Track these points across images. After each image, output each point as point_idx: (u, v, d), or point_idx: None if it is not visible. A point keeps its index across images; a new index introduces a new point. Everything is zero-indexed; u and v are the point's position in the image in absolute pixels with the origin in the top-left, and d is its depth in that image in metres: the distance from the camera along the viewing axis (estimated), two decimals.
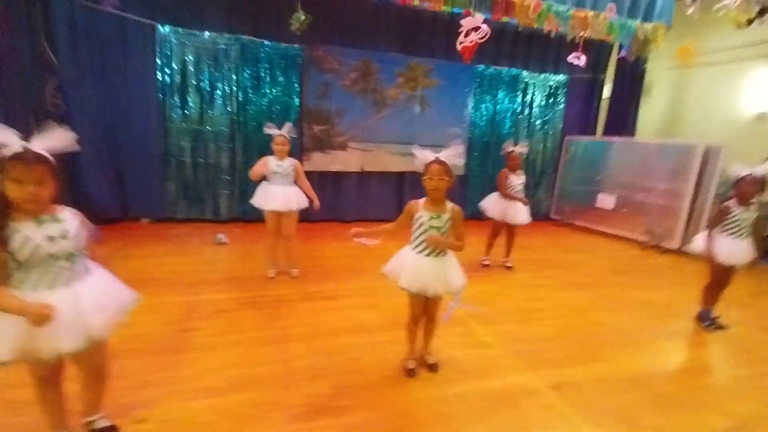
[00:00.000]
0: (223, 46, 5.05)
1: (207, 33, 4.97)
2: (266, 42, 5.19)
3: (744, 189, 2.82)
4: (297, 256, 3.70)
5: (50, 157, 1.33)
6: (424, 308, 2.22)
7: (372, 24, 5.57)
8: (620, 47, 5.80)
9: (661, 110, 6.98)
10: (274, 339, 2.60)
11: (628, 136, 6.59)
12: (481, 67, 6.20)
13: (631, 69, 6.40)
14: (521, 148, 4.07)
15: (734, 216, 2.87)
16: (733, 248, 2.87)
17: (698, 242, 3.05)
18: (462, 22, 4.29)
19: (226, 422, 1.86)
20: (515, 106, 6.64)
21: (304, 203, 3.49)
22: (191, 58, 4.97)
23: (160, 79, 4.93)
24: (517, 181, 4.07)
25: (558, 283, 3.98)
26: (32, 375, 1.48)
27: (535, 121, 6.81)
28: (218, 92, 5.16)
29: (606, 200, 6.20)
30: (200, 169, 5.30)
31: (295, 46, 5.25)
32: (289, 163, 3.42)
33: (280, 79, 5.37)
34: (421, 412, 2.02)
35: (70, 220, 1.43)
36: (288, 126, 3.42)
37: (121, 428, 1.74)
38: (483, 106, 6.47)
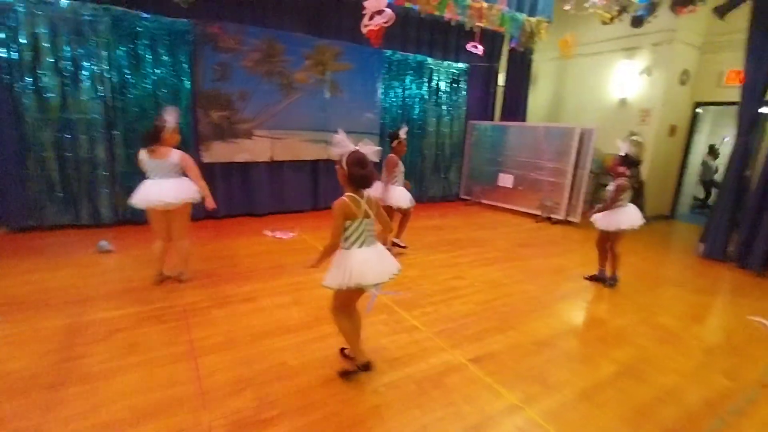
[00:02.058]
0: (87, 18, 4.21)
1: (65, 1, 4.09)
2: (144, 14, 4.47)
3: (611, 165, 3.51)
4: (205, 257, 3.33)
5: None
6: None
7: (274, 0, 5.16)
8: (511, 38, 6.30)
9: (547, 97, 7.86)
10: (185, 355, 2.31)
11: (520, 121, 7.27)
12: (389, 52, 6.21)
13: (520, 59, 7.02)
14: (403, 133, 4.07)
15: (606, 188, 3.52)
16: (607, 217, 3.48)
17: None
18: (365, 4, 4.19)
19: None
20: (422, 92, 6.84)
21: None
22: (45, 32, 4.05)
23: (5, 56, 3.95)
24: (402, 168, 4.11)
25: (474, 260, 4.24)
26: None
27: (442, 107, 7.11)
28: (85, 73, 4.32)
29: (506, 179, 6.81)
30: (69, 165, 4.43)
31: (184, 20, 4.62)
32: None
33: (165, 58, 4.68)
34: (352, 409, 1.97)
35: None
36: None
37: None
38: (392, 91, 6.53)
